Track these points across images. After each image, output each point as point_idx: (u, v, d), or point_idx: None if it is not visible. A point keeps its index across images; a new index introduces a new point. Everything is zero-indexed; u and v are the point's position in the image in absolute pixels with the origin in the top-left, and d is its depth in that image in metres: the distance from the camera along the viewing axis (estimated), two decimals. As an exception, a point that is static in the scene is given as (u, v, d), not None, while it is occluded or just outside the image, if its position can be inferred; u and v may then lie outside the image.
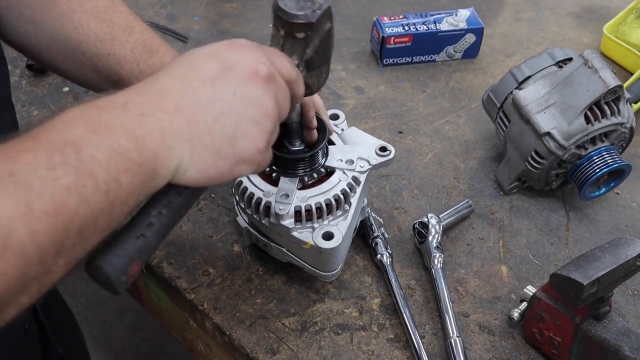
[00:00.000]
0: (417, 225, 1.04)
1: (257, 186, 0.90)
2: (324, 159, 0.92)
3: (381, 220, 1.05)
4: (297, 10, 0.72)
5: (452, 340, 0.91)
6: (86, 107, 0.56)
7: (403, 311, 0.95)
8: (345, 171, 0.92)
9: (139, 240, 0.60)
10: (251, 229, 0.97)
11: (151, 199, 0.63)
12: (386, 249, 1.02)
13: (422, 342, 0.93)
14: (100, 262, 0.58)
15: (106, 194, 0.53)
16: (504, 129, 1.12)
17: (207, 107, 0.60)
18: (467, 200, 1.11)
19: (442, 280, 0.98)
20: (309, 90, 0.80)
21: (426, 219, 1.03)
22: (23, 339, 0.96)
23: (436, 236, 1.02)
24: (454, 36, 1.40)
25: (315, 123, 0.89)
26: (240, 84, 0.62)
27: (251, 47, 0.66)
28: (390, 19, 1.40)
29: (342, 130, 0.99)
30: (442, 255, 1.01)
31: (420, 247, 1.04)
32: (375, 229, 1.03)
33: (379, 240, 1.02)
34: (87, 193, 0.51)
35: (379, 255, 1.01)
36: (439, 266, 1.00)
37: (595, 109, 1.04)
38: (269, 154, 0.69)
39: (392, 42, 1.38)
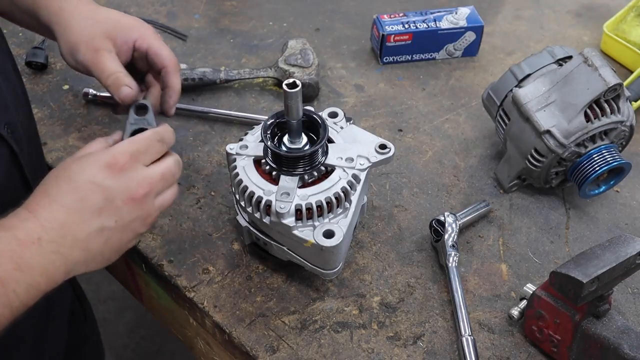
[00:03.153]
0: (434, 223, 1.04)
1: (258, 185, 0.90)
2: (324, 157, 0.92)
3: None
4: None
5: (465, 339, 0.91)
6: (9, 240, 0.68)
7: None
8: (345, 169, 0.92)
9: None
10: (251, 228, 0.97)
11: None
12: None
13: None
14: None
15: (14, 313, 0.67)
16: (504, 127, 1.12)
17: (97, 236, 0.73)
18: (484, 201, 1.11)
19: (457, 279, 0.98)
20: None
21: (443, 217, 1.03)
22: (68, 321, 1.12)
23: (452, 235, 1.02)
24: (454, 34, 1.40)
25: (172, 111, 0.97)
26: (119, 212, 0.74)
27: (128, 168, 0.76)
28: (390, 17, 1.40)
29: (342, 128, 0.99)
30: (458, 254, 1.01)
31: (435, 245, 1.04)
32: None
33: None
34: (3, 318, 0.66)
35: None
36: (454, 265, 1.00)
37: (595, 107, 1.04)
38: (153, 219, 0.81)
39: (392, 40, 1.38)
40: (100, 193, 0.73)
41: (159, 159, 0.80)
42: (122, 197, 0.74)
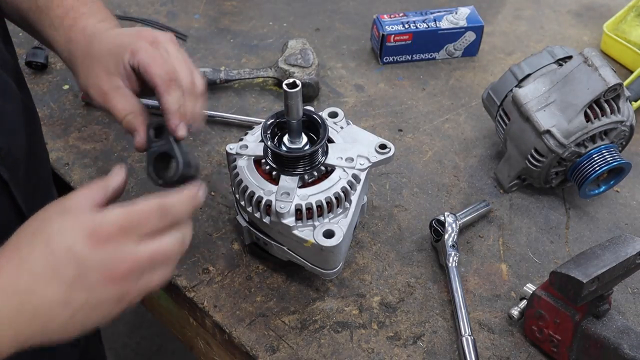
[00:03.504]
0: (434, 223, 1.04)
1: (258, 185, 0.90)
2: (324, 157, 0.92)
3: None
4: None
5: (465, 339, 0.91)
6: None
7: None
8: (345, 169, 0.92)
9: None
10: (251, 228, 0.97)
11: None
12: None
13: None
14: None
15: None
16: (504, 127, 1.12)
17: (61, 309, 0.63)
18: (484, 201, 1.11)
19: (457, 279, 0.98)
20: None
21: (443, 217, 1.03)
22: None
23: (452, 235, 1.02)
24: (454, 34, 1.40)
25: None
26: (92, 290, 0.64)
27: (112, 242, 0.65)
28: (390, 17, 1.40)
29: (342, 128, 0.99)
30: (458, 254, 1.01)
31: (435, 245, 1.04)
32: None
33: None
34: None
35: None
36: (454, 264, 1.00)
37: (595, 107, 1.04)
38: (129, 301, 0.69)
39: (392, 40, 1.38)
40: (74, 264, 0.64)
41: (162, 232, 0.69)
42: (96, 275, 0.64)
